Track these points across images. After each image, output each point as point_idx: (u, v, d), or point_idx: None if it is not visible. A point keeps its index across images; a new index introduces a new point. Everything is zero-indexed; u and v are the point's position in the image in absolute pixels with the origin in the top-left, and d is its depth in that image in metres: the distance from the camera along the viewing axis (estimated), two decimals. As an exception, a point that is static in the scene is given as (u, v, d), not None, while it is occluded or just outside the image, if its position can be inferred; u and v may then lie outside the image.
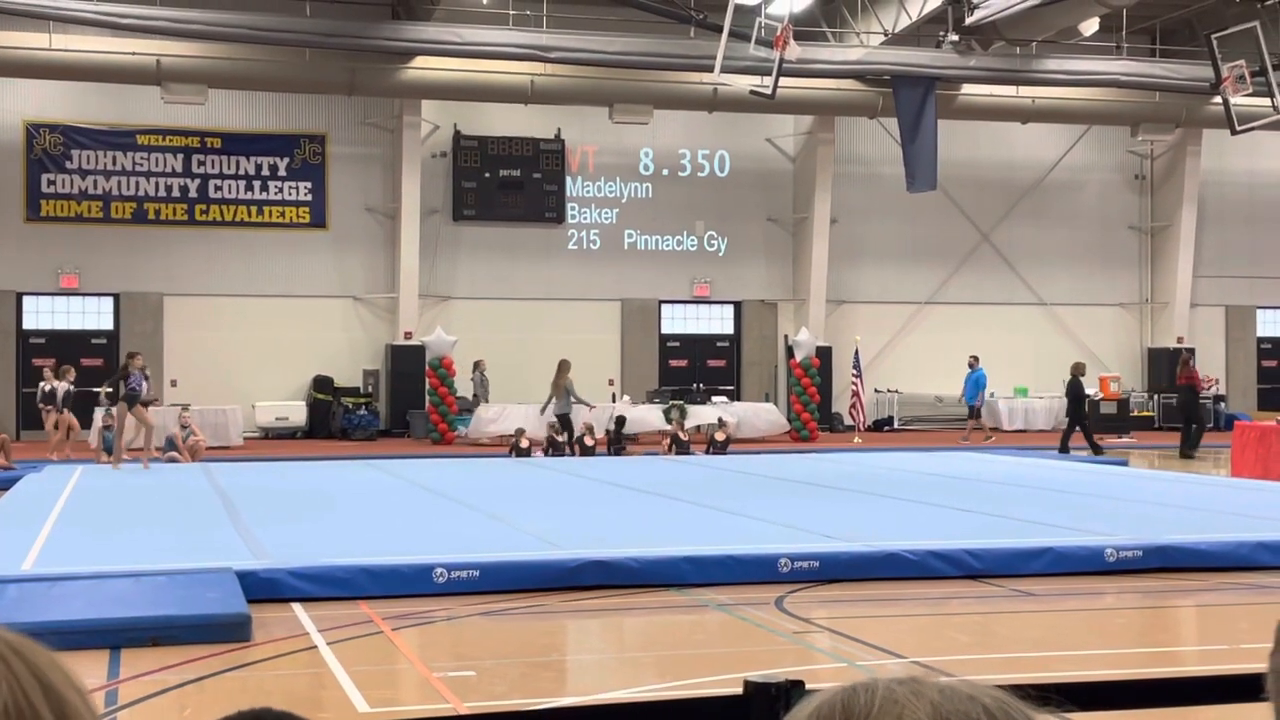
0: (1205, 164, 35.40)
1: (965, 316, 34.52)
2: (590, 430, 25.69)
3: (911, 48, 30.31)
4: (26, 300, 30.38)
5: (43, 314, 30.54)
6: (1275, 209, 36.51)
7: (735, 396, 32.77)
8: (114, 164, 30.34)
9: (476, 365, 29.57)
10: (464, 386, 29.79)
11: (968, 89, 31.21)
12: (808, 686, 1.99)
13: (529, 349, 31.56)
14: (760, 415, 30.72)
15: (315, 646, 8.98)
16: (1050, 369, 34.42)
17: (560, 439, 25.37)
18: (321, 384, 30.85)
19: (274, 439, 29.95)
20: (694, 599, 10.74)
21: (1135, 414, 33.49)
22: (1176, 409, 27.81)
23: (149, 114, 29.88)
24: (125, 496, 16.92)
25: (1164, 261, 35.92)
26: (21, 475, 20.06)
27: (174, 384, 29.40)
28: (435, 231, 31.70)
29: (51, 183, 30.10)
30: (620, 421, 26.86)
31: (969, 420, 30.30)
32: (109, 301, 30.73)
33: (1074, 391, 25.85)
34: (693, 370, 33.73)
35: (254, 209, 31.04)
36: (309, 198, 31.36)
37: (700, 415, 29.08)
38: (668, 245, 33.55)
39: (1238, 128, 28.80)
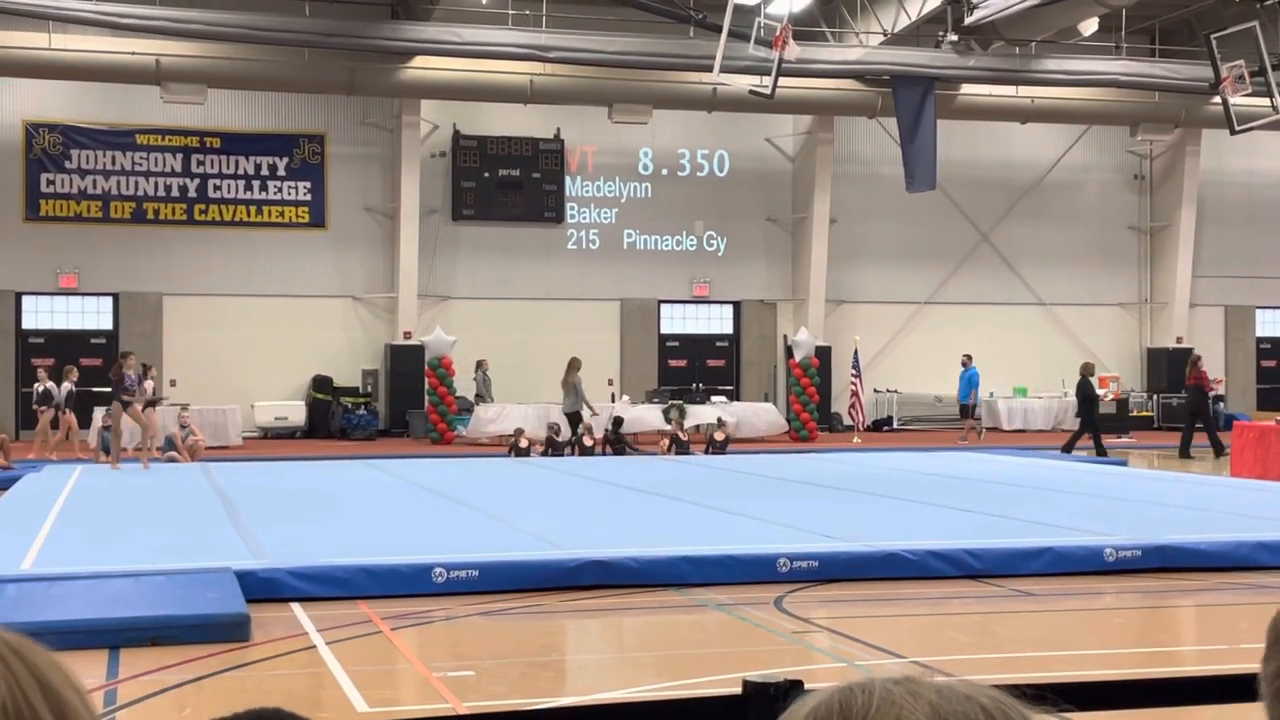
0: (1204, 164, 35.40)
1: (964, 316, 34.52)
2: (589, 430, 25.69)
3: (911, 48, 30.32)
4: (26, 300, 30.38)
5: (42, 314, 30.54)
6: (1274, 209, 36.52)
7: (734, 396, 32.78)
8: (113, 164, 30.34)
9: (479, 365, 29.58)
10: (464, 386, 29.79)
11: (967, 89, 31.22)
12: (807, 686, 1.98)
13: (528, 349, 31.58)
14: (759, 415, 30.73)
15: (314, 646, 8.98)
16: (1049, 369, 34.42)
17: (559, 439, 25.38)
18: (321, 384, 30.85)
19: (273, 439, 29.95)
20: (693, 599, 10.74)
21: (1134, 414, 33.48)
22: (1185, 409, 27.81)
23: (148, 114, 29.88)
24: (124, 496, 16.92)
25: (1163, 261, 35.93)
26: (21, 475, 20.06)
27: (173, 384, 29.39)
28: (434, 231, 31.70)
29: (51, 182, 30.10)
30: (618, 422, 26.85)
31: (966, 420, 30.26)
32: (108, 301, 30.73)
33: (1085, 392, 25.76)
34: (692, 370, 33.74)
35: (253, 209, 31.04)
36: (308, 197, 31.36)
37: (699, 415, 29.09)
38: (667, 245, 33.55)
39: (1237, 128, 28.80)
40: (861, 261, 34.26)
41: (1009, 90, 31.34)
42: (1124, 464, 23.82)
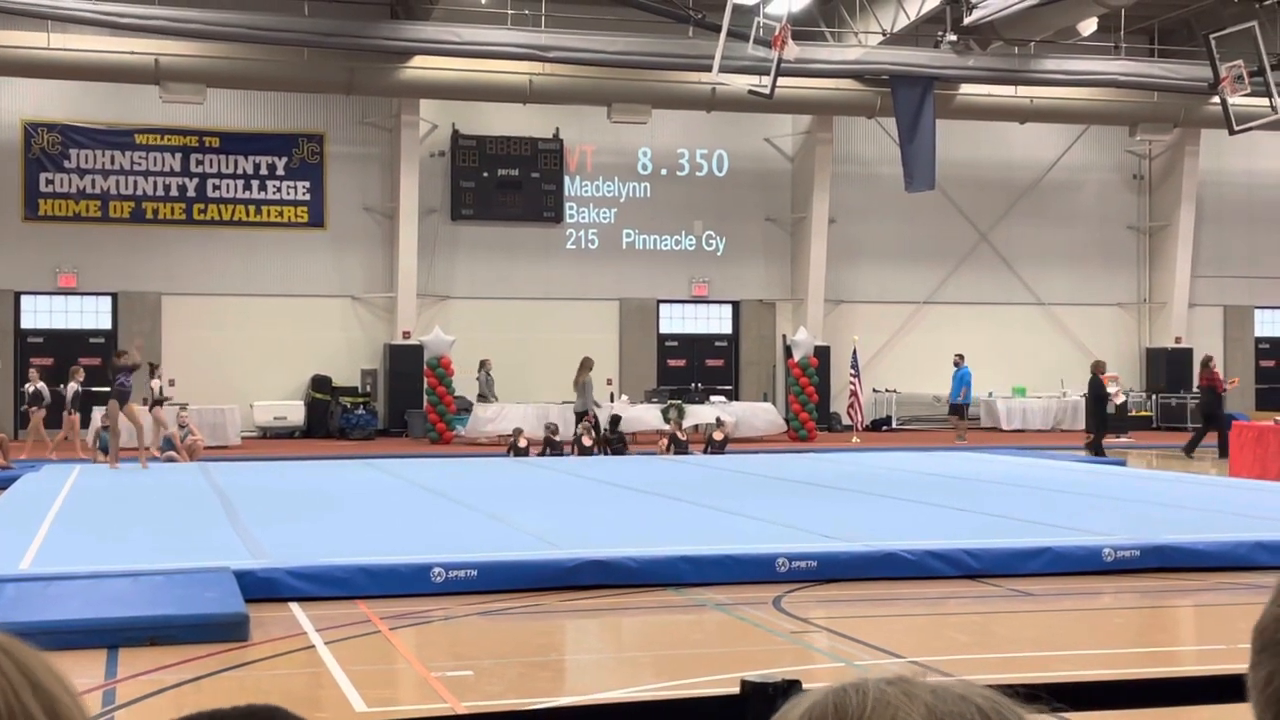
0: (1203, 164, 35.40)
1: (963, 316, 34.52)
2: (588, 429, 25.71)
3: (910, 47, 30.32)
4: (25, 300, 30.37)
5: (41, 313, 30.53)
6: (1273, 209, 36.53)
7: (733, 396, 32.78)
8: (112, 163, 30.33)
9: (483, 365, 29.58)
10: (465, 386, 29.79)
11: (966, 89, 31.22)
12: (805, 686, 1.99)
13: (527, 349, 31.59)
14: (758, 415, 30.73)
15: (313, 646, 8.98)
16: (1048, 369, 34.45)
17: (557, 438, 25.41)
18: (320, 383, 30.85)
19: (272, 438, 29.95)
20: (692, 599, 10.74)
21: (1133, 414, 33.47)
22: (1198, 410, 27.95)
23: (147, 113, 29.88)
24: (123, 496, 16.92)
25: (1162, 261, 35.93)
26: (20, 474, 20.05)
27: (172, 383, 29.37)
28: (433, 231, 31.70)
29: (50, 182, 30.09)
30: (615, 421, 26.86)
31: (962, 420, 30.22)
32: (107, 301, 30.72)
33: (1096, 391, 25.76)
34: (691, 370, 33.74)
35: (252, 208, 31.04)
36: (307, 197, 31.36)
37: (698, 415, 29.09)
38: (666, 245, 33.55)
39: (1236, 128, 28.81)
40: (860, 261, 34.26)
41: (1008, 90, 31.35)
42: (1123, 464, 23.82)
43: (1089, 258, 35.70)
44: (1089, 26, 29.39)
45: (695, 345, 34.16)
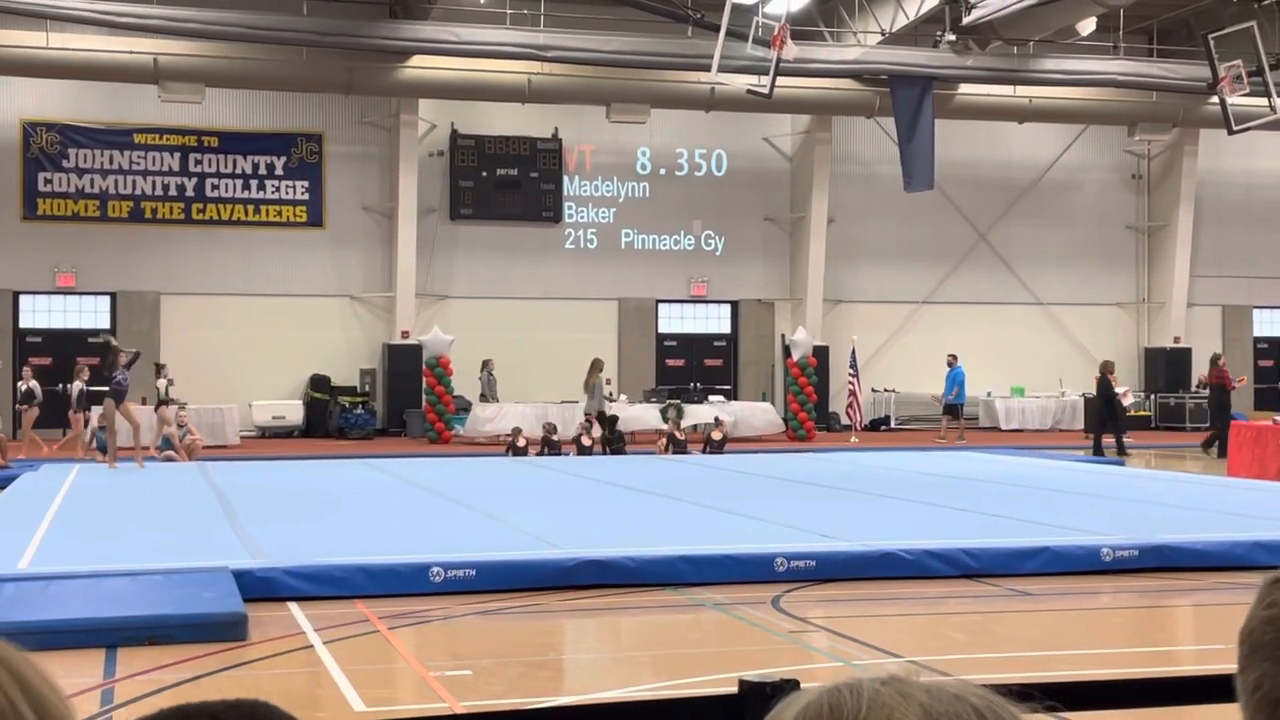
0: (1202, 164, 35.41)
1: (962, 316, 34.52)
2: (588, 430, 25.70)
3: (909, 47, 30.32)
4: (23, 299, 30.36)
5: (39, 313, 30.53)
6: (1272, 209, 36.53)
7: (732, 396, 32.77)
8: (111, 163, 30.32)
9: (485, 364, 29.57)
10: (466, 386, 29.78)
11: (965, 89, 31.22)
12: (803, 686, 1.99)
13: (526, 348, 31.58)
14: (757, 414, 30.73)
15: (311, 646, 8.98)
16: (1047, 369, 34.45)
17: (555, 438, 25.40)
18: (318, 383, 30.84)
19: (271, 438, 29.94)
20: (690, 598, 10.74)
21: (1132, 414, 33.45)
22: (1208, 408, 28.12)
23: (146, 113, 29.87)
24: (121, 495, 16.92)
25: (1161, 261, 35.93)
26: (18, 474, 20.06)
27: (171, 383, 29.36)
28: (432, 231, 31.69)
29: (48, 181, 30.08)
30: (612, 420, 26.85)
31: (960, 421, 30.21)
32: (106, 300, 30.71)
33: (1104, 390, 25.76)
34: (690, 369, 33.74)
35: (251, 208, 31.03)
36: (306, 197, 31.35)
37: (697, 414, 29.09)
38: (665, 245, 33.54)
39: (1234, 127, 28.82)
40: (859, 261, 34.26)
41: (1007, 90, 31.35)
42: (1121, 464, 23.83)
43: (1088, 257, 35.70)
44: (1088, 26, 29.40)
45: (694, 345, 34.15)
